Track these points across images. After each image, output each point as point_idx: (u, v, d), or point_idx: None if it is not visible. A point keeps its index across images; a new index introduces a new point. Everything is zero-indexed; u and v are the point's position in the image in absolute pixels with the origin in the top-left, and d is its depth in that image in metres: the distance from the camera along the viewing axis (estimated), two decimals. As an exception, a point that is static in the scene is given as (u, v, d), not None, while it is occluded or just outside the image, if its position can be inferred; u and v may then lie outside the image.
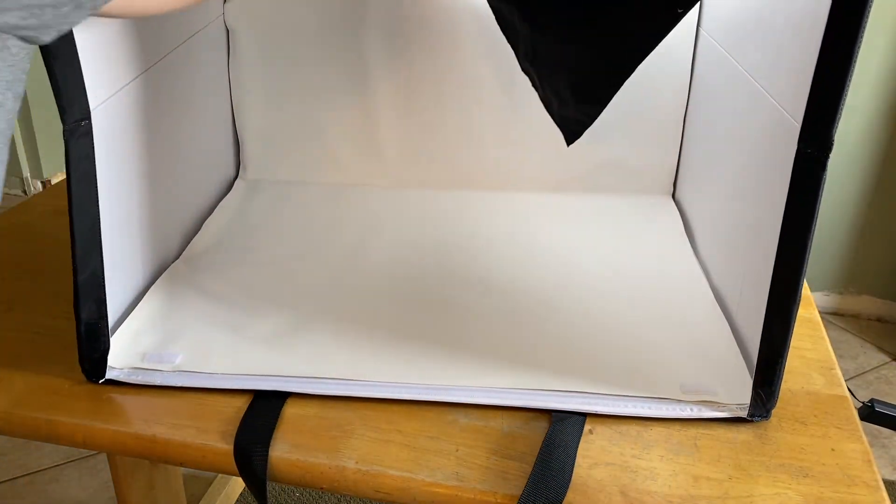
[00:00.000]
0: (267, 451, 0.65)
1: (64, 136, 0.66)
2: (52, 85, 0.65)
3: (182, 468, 1.18)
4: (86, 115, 0.68)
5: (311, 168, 1.15)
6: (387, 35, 1.07)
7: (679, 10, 0.70)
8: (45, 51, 0.64)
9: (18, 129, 2.52)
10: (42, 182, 2.63)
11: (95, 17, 0.70)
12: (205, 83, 1.05)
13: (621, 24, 0.74)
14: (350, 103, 1.12)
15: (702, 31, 1.01)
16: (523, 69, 0.85)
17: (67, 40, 0.65)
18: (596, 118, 0.81)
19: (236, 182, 1.14)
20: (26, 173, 2.60)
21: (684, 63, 1.04)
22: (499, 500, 0.61)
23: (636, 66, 0.74)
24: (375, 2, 1.06)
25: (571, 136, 0.84)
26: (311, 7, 1.08)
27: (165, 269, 0.91)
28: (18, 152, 2.56)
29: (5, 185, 2.71)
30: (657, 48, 0.73)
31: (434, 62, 1.08)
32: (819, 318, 0.83)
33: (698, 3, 0.72)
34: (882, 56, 1.81)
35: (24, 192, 2.63)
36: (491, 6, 0.85)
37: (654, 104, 1.06)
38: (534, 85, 0.85)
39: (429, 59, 1.08)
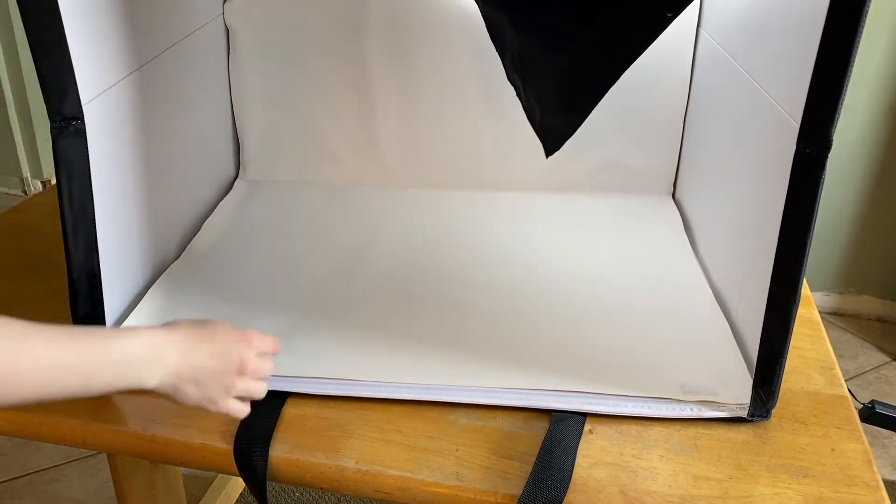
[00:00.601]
0: (267, 451, 0.65)
1: (51, 134, 0.66)
2: (40, 82, 0.64)
3: (182, 468, 1.18)
4: (76, 113, 0.67)
5: (311, 168, 1.15)
6: (387, 35, 1.07)
7: (668, 15, 0.71)
8: (34, 48, 0.62)
9: (18, 128, 2.51)
10: (42, 182, 2.63)
11: (88, 15, 0.69)
12: (204, 82, 1.05)
13: (611, 30, 0.74)
14: (350, 103, 1.12)
15: (702, 32, 1.01)
16: (509, 78, 0.85)
17: (56, 35, 0.64)
18: (577, 128, 0.81)
19: (236, 182, 1.14)
20: (26, 173, 2.59)
21: (684, 63, 1.04)
22: (499, 500, 0.61)
23: (623, 72, 0.74)
24: (375, 2, 1.06)
25: (551, 147, 0.84)
26: (311, 7, 1.08)
27: (165, 269, 0.91)
28: (18, 152, 2.55)
29: (5, 186, 2.70)
30: (657, 49, 0.73)
31: (433, 63, 1.08)
32: (819, 318, 0.83)
33: (689, 6, 0.72)
34: (882, 56, 1.81)
35: (24, 192, 2.63)
36: (481, 13, 0.85)
37: (654, 104, 1.06)
38: (518, 94, 0.85)
39: (428, 59, 1.08)
